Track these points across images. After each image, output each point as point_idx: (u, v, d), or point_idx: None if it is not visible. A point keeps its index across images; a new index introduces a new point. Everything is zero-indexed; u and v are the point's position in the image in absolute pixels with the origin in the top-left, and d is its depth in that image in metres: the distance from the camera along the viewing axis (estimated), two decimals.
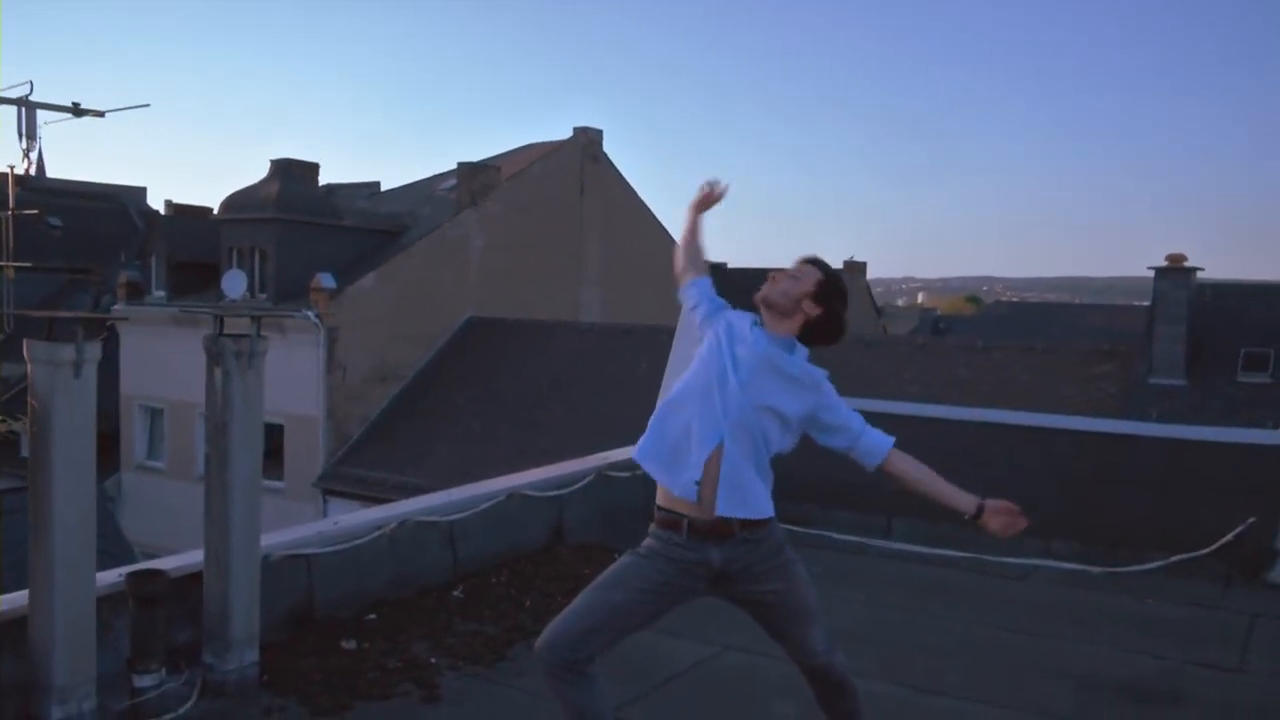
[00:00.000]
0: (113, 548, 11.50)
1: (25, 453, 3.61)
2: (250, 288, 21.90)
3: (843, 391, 3.08)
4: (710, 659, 4.54)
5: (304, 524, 4.97)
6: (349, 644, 4.55)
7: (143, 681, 3.82)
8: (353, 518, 5.18)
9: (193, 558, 4.22)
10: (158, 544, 15.59)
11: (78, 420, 3.52)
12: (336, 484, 20.46)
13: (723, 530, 2.91)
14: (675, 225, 3.85)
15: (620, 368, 19.66)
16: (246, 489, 4.06)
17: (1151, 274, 19.11)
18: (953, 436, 6.54)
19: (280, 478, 21.43)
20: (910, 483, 3.03)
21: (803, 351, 3.06)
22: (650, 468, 3.02)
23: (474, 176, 23.77)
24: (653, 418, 3.06)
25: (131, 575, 3.85)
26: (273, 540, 4.67)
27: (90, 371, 3.53)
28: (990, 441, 6.41)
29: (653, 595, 2.98)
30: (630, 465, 6.71)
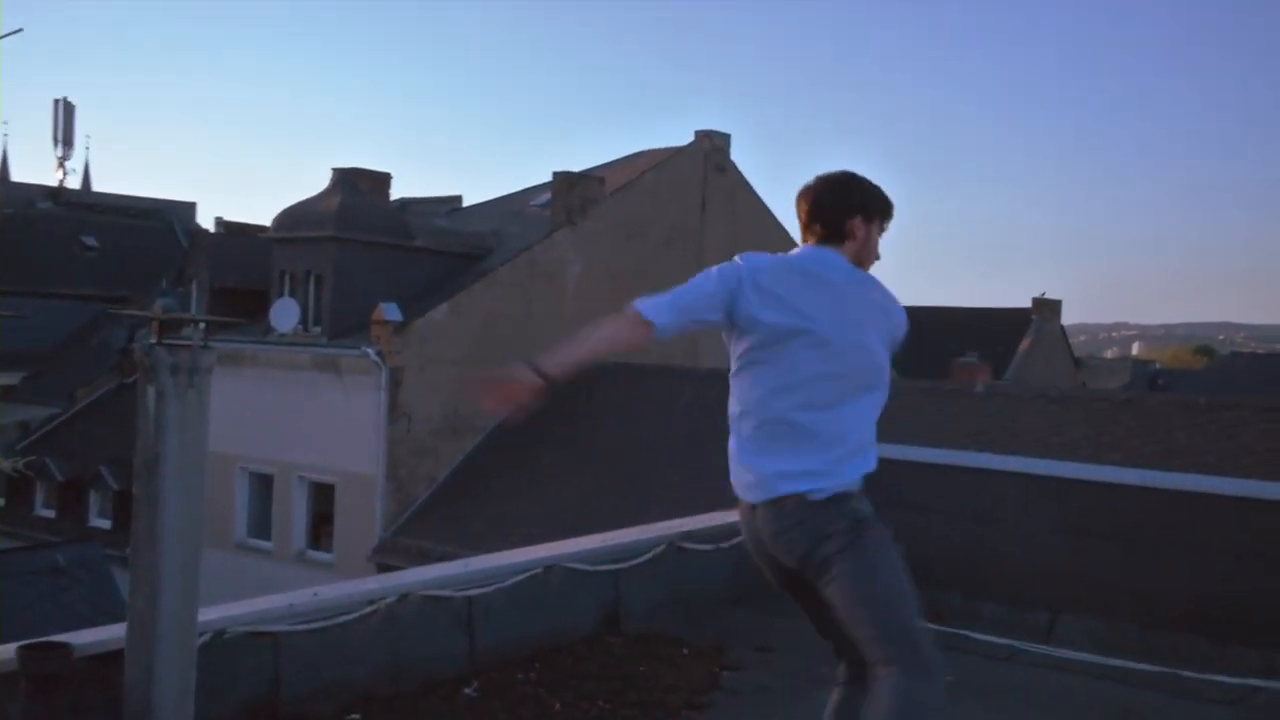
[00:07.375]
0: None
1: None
2: (303, 320, 22.32)
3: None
4: None
5: (273, 594, 4.75)
6: None
7: None
8: (338, 589, 4.97)
9: (117, 631, 4.04)
10: None
11: None
12: (395, 558, 20.48)
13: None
14: None
15: None
16: (182, 543, 3.86)
17: None
18: (1137, 507, 6.01)
19: (329, 549, 21.64)
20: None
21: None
22: None
23: (572, 189, 23.84)
24: None
25: (25, 649, 3.67)
26: (230, 612, 4.51)
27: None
28: (1184, 515, 5.84)
29: None
30: (712, 536, 6.35)
